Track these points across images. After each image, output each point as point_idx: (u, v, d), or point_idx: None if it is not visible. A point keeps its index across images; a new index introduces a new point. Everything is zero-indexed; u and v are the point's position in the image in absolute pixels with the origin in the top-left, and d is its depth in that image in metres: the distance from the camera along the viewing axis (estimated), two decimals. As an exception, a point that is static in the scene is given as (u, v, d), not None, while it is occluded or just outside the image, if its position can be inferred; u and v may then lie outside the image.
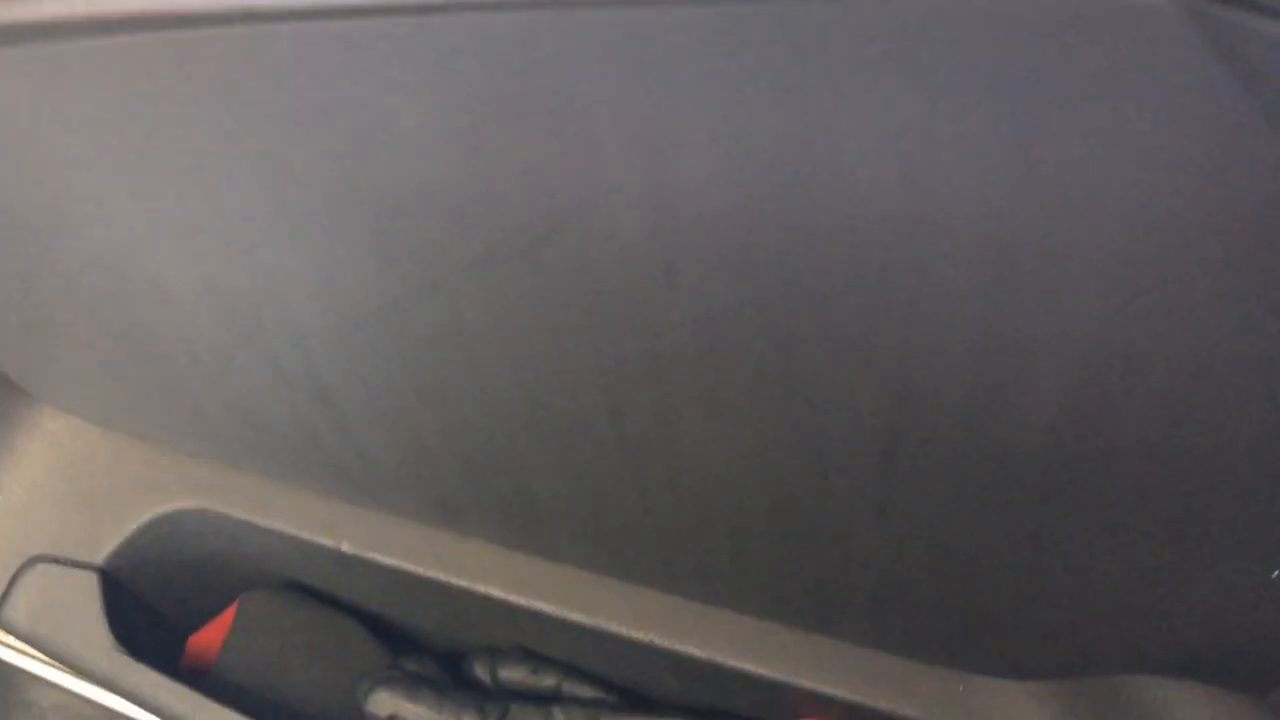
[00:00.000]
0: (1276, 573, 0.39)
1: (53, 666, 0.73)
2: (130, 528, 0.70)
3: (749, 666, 0.57)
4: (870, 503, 0.43)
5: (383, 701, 0.65)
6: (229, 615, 0.72)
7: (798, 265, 0.33)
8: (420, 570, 0.64)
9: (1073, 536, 0.41)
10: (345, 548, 0.65)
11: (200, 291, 0.48)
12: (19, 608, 0.68)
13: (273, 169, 0.38)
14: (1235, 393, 0.33)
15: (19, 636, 0.69)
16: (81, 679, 0.71)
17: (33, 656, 0.74)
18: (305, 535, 0.66)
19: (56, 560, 0.69)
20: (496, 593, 0.63)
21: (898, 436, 0.39)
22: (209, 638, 0.72)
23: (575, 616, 0.61)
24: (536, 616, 0.63)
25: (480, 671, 0.69)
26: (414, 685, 0.66)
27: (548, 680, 0.67)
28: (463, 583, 0.63)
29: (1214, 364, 0.32)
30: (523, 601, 0.62)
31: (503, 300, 0.40)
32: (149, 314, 0.51)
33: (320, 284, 0.43)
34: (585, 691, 0.67)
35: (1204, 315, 0.31)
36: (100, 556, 0.69)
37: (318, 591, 0.75)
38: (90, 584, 0.69)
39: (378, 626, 0.74)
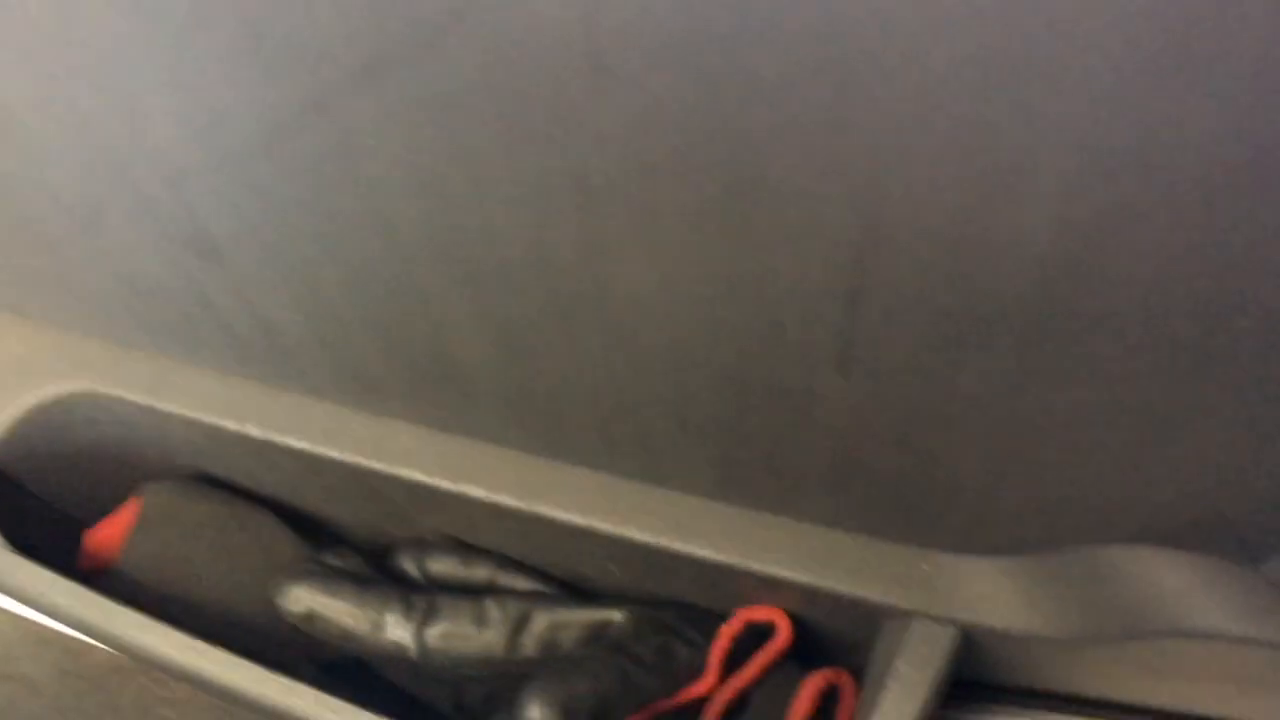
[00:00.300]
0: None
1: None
2: (12, 415, 0.63)
3: (696, 550, 0.53)
4: (830, 357, 0.38)
5: (299, 597, 0.60)
6: (131, 509, 0.66)
7: (751, 55, 0.27)
8: (336, 454, 0.58)
9: (1054, 395, 0.36)
10: (253, 431, 0.60)
11: (56, 125, 0.41)
12: (-110, 505, 0.62)
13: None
14: (1248, 225, 0.28)
15: (-108, 536, 0.63)
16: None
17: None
18: (208, 419, 0.60)
19: (-70, 452, 0.63)
20: (420, 477, 0.57)
21: (864, 276, 0.34)
22: (109, 533, 0.66)
23: (507, 501, 0.56)
24: (465, 503, 0.57)
25: (407, 565, 0.64)
26: (333, 579, 0.60)
27: (480, 572, 0.63)
28: (383, 467, 0.58)
29: (1227, 186, 0.27)
30: (450, 486, 0.57)
31: (401, 115, 0.33)
32: (3, 157, 0.44)
33: (187, 106, 0.37)
34: (520, 583, 0.62)
35: (1217, 126, 0.25)
36: (-20, 446, 0.63)
37: (228, 482, 0.69)
38: (-30, 477, 0.63)
39: (295, 519, 0.69)
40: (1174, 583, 0.43)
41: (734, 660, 0.56)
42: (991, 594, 0.48)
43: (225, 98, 0.36)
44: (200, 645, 0.57)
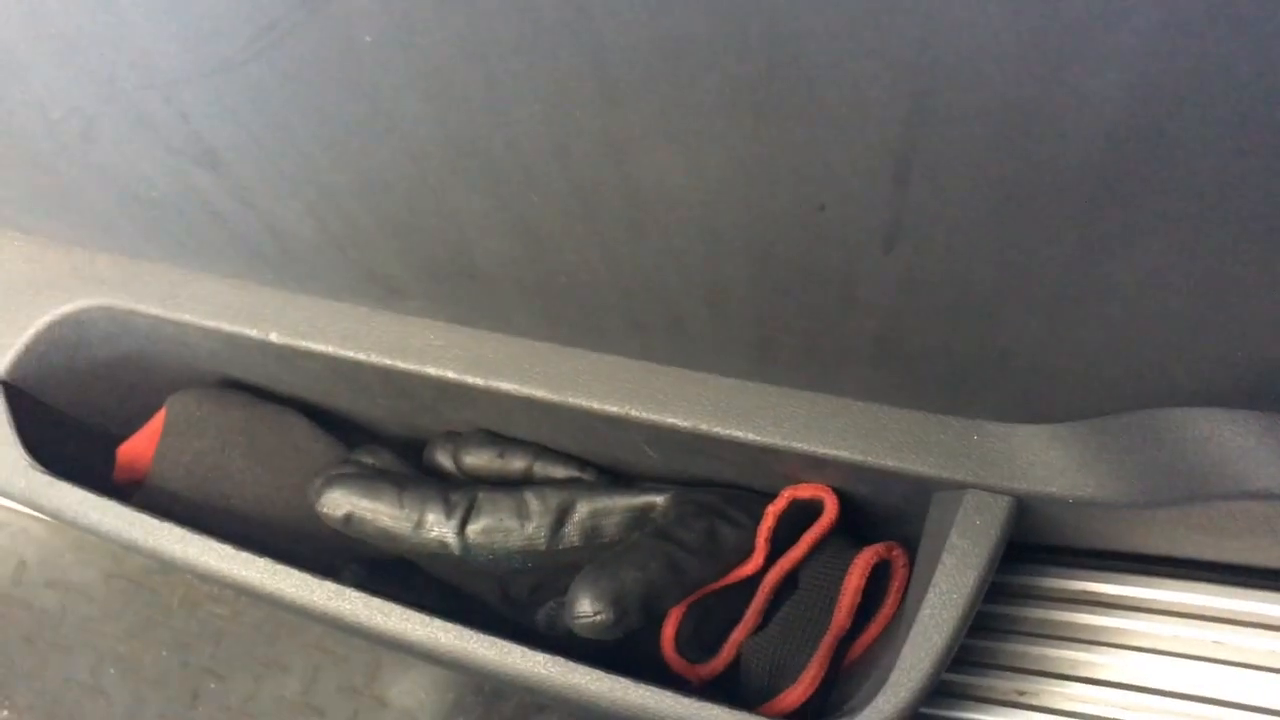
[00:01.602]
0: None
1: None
2: (28, 332, 0.62)
3: (736, 432, 0.51)
4: (876, 236, 0.36)
5: (337, 502, 0.59)
6: (159, 419, 0.65)
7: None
8: (361, 356, 0.57)
9: (1118, 262, 0.34)
10: (274, 338, 0.58)
11: (34, 39, 0.38)
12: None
13: None
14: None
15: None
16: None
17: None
18: (227, 327, 0.58)
19: (-52, 376, 0.62)
20: (450, 374, 0.56)
21: (914, 151, 0.31)
22: (140, 445, 0.66)
23: (540, 394, 0.54)
24: (497, 398, 0.56)
25: (443, 459, 0.63)
26: (370, 481, 0.60)
27: (516, 463, 0.62)
28: (410, 366, 0.56)
29: None
30: (479, 382, 0.55)
31: (404, 8, 0.31)
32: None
33: (172, 11, 0.34)
34: (558, 471, 0.61)
35: None
36: (-1, 367, 0.62)
37: (255, 388, 0.68)
38: (-9, 398, 0.62)
39: (325, 418, 0.68)
40: (1239, 442, 0.42)
41: (782, 539, 0.55)
42: (1046, 461, 0.47)
43: (211, 2, 0.33)
44: (243, 555, 0.57)
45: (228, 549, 0.57)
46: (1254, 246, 0.32)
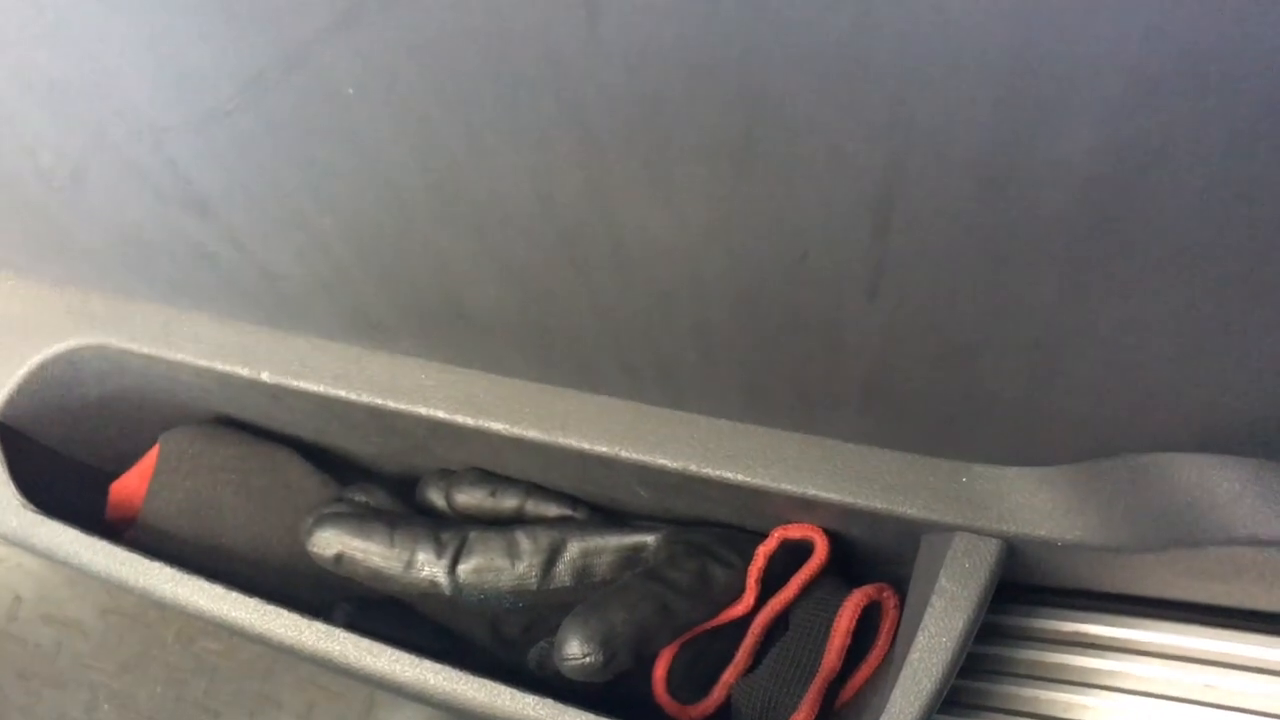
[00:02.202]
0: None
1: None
2: (22, 371, 0.62)
3: (726, 473, 0.51)
4: (858, 284, 0.36)
5: (328, 541, 0.59)
6: (151, 457, 0.66)
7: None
8: (353, 396, 0.57)
9: (1099, 309, 0.34)
10: (266, 377, 0.58)
11: (21, 86, 0.38)
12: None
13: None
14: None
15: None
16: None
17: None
18: (220, 366, 0.59)
19: (-58, 416, 0.62)
20: (441, 414, 0.56)
21: (893, 204, 0.31)
22: (132, 483, 0.66)
23: (531, 434, 0.54)
24: (488, 437, 0.56)
25: (434, 497, 0.63)
26: (361, 520, 0.59)
27: (508, 502, 0.62)
28: (401, 406, 0.56)
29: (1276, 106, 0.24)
30: (470, 422, 0.55)
31: (384, 63, 0.31)
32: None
33: (160, 64, 0.34)
34: (550, 509, 0.61)
35: (1267, 44, 0.23)
36: (-8, 407, 0.62)
37: (248, 425, 0.68)
38: (-16, 438, 0.62)
39: (318, 456, 0.68)
40: (1225, 487, 0.41)
41: (772, 580, 0.55)
42: (1035, 504, 0.47)
43: (196, 54, 0.33)
44: (233, 595, 0.57)
45: (218, 589, 0.57)
46: (1231, 297, 0.32)
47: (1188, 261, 0.31)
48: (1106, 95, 0.25)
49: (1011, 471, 0.48)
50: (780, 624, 0.56)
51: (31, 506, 0.60)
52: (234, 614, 0.57)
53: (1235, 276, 0.31)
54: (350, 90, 0.33)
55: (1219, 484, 0.42)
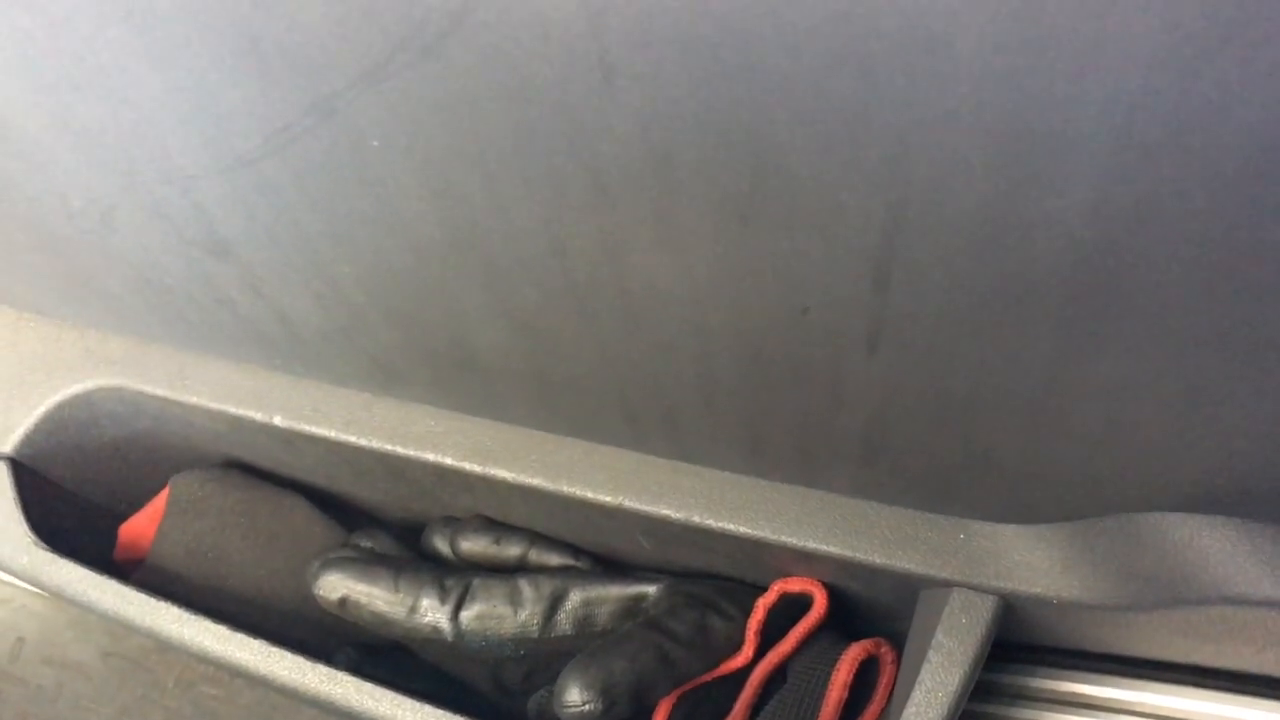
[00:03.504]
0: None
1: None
2: (38, 411, 0.63)
3: (728, 525, 0.52)
4: (859, 338, 0.37)
5: (333, 585, 0.60)
6: (161, 499, 0.66)
7: (765, 51, 0.26)
8: (363, 441, 0.58)
9: (1093, 369, 0.35)
10: (278, 421, 0.59)
11: (57, 134, 0.40)
12: (-78, 506, 0.62)
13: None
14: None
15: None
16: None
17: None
18: (233, 410, 0.60)
19: (-41, 451, 0.63)
20: (449, 461, 0.57)
21: (892, 259, 0.33)
22: (141, 524, 0.66)
23: (536, 482, 0.55)
24: (494, 485, 0.57)
25: (440, 544, 0.64)
26: (367, 565, 0.60)
27: (512, 550, 0.62)
28: (410, 452, 0.57)
29: (1265, 171, 0.25)
30: (477, 469, 0.56)
31: (407, 117, 0.32)
32: (7, 163, 0.43)
33: (193, 112, 0.36)
34: (553, 559, 0.62)
35: (1255, 110, 0.24)
36: (8, 444, 0.63)
37: (257, 469, 0.69)
38: (-1, 475, 0.63)
39: (326, 501, 0.69)
40: (1218, 547, 0.42)
41: (771, 632, 0.56)
42: (1031, 562, 0.48)
43: (228, 103, 0.35)
44: (238, 636, 0.57)
45: (223, 630, 0.58)
46: (1223, 358, 0.33)
47: (1177, 321, 0.32)
48: (1096, 158, 0.26)
49: (1008, 529, 0.49)
50: (778, 676, 0.56)
51: (43, 544, 0.61)
52: (238, 655, 0.57)
53: (1223, 337, 0.32)
54: (375, 142, 0.34)
55: (1210, 544, 0.42)
